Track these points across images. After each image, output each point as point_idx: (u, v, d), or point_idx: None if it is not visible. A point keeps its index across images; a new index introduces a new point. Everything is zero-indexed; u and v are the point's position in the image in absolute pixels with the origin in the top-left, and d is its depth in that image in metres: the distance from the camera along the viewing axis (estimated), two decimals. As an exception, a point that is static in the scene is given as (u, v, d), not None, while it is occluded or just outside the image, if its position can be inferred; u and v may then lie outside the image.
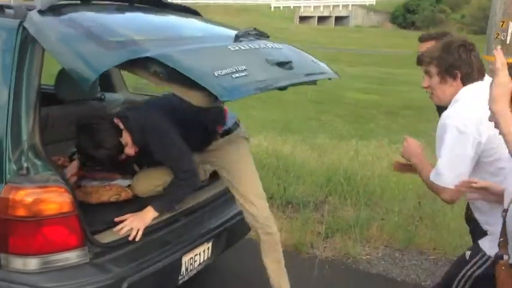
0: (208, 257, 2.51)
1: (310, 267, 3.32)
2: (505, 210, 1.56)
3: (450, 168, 1.91)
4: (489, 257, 1.88)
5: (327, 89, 13.44)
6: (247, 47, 2.21)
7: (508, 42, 6.32)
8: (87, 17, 2.19)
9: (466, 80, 2.00)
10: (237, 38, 2.30)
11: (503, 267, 1.62)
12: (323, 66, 2.55)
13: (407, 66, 21.50)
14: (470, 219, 2.16)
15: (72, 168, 2.58)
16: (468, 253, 1.99)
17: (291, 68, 2.18)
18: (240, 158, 2.64)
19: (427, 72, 2.08)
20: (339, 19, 48.50)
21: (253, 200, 2.59)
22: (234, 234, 2.73)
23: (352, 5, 49.02)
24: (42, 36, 1.92)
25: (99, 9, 2.39)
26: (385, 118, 9.79)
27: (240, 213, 2.67)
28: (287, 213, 4.11)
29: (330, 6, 48.47)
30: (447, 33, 2.82)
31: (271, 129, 7.51)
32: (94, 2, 2.50)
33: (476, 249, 1.97)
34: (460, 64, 1.99)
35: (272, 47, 2.35)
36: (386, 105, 11.20)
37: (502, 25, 6.33)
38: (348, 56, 25.04)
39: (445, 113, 1.99)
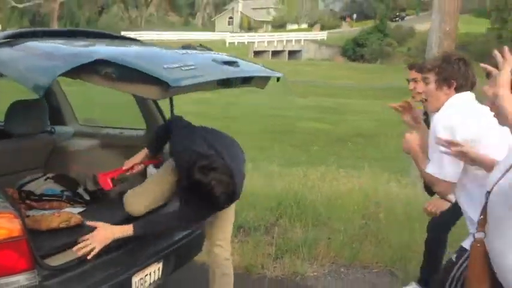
0: (158, 278, 2.61)
1: (260, 287, 3.45)
2: (488, 192, 1.74)
3: (451, 163, 2.06)
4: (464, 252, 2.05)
5: (281, 119, 13.85)
6: (194, 52, 2.45)
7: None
8: (37, 44, 2.34)
9: (459, 91, 2.23)
10: (183, 48, 2.52)
11: (478, 244, 1.77)
12: (268, 69, 2.75)
13: (357, 97, 22.45)
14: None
15: (139, 156, 2.71)
16: (454, 255, 2.15)
17: (237, 66, 2.39)
18: (229, 208, 2.80)
19: (424, 79, 2.30)
20: (292, 53, 50.00)
21: (220, 242, 2.80)
22: (184, 254, 2.84)
23: (304, 39, 50.73)
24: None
25: (46, 40, 2.51)
26: (336, 145, 10.17)
27: (190, 234, 2.80)
28: (239, 237, 4.24)
29: (283, 41, 49.98)
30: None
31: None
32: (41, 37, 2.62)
33: (461, 251, 2.12)
34: (457, 75, 2.22)
35: (218, 53, 2.58)
36: (337, 133, 11.64)
37: (437, 57, 6.82)
38: (301, 87, 25.79)
39: (439, 115, 2.19)
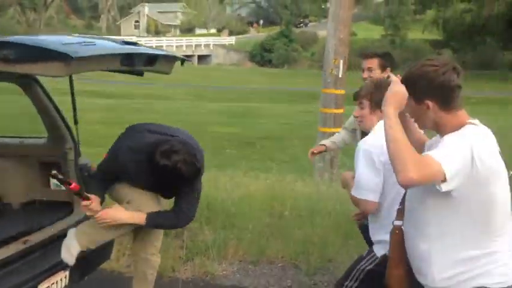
0: (65, 285, 2.60)
1: (172, 288, 3.54)
2: None
3: (366, 184, 2.33)
4: (377, 257, 2.37)
5: (191, 124, 13.89)
6: (95, 36, 2.52)
7: (340, 76, 7.32)
8: None
9: None
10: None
11: (397, 231, 2.01)
12: (173, 53, 2.88)
13: (266, 101, 23.07)
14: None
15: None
16: (365, 252, 2.48)
17: (139, 46, 2.51)
18: None
19: (359, 104, 2.54)
20: (201, 58, 50.11)
21: (155, 250, 2.95)
22: (91, 262, 2.85)
23: (213, 44, 51.06)
24: None
25: None
26: (246, 148, 10.45)
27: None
28: (149, 242, 4.28)
29: (192, 45, 49.90)
30: (387, 52, 3.32)
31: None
32: None
33: (370, 250, 2.46)
34: None
35: (118, 38, 2.71)
36: (247, 136, 11.94)
37: (335, 62, 7.30)
38: (211, 92, 26.04)
39: (361, 140, 2.46)
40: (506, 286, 1.82)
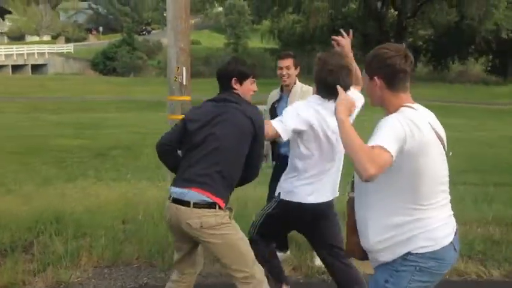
0: None
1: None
2: None
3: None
4: (276, 200, 2.94)
5: (29, 139, 12.95)
6: None
7: (184, 83, 7.65)
8: None
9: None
10: None
11: (352, 201, 2.22)
12: None
13: (113, 111, 22.46)
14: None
15: None
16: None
17: None
18: None
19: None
20: (37, 67, 46.57)
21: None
22: None
23: (48, 52, 47.74)
24: None
25: None
26: (95, 159, 10.17)
27: None
28: (-6, 260, 4.09)
29: (24, 54, 46.00)
30: (295, 54, 3.92)
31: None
32: None
33: (273, 198, 2.99)
34: None
35: None
36: (96, 147, 11.59)
37: (177, 70, 7.62)
38: (52, 104, 24.47)
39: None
40: (432, 250, 2.02)
